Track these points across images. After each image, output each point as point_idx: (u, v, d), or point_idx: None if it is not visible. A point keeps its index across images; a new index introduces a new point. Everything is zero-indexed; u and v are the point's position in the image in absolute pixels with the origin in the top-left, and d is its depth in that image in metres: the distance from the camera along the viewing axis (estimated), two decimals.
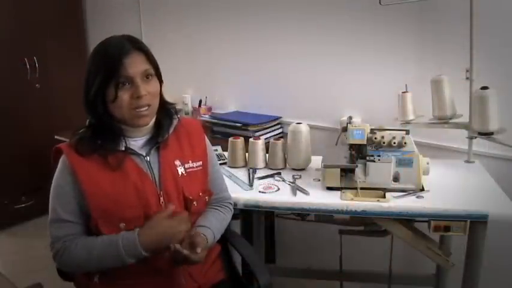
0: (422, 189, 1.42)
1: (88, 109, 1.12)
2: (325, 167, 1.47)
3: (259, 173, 1.66)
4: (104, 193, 1.08)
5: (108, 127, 1.12)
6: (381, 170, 1.42)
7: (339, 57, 2.07)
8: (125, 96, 1.08)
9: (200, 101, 2.63)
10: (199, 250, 1.08)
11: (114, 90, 1.07)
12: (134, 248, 1.05)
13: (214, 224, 1.24)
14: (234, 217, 1.40)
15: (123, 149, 1.12)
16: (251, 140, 1.74)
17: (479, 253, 1.36)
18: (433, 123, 1.71)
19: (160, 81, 1.16)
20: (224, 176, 1.51)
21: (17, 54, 2.85)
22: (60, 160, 1.12)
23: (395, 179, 1.43)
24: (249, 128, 2.19)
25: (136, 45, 1.10)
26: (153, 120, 1.17)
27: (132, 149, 1.14)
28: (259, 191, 1.49)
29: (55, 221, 1.11)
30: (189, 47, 2.69)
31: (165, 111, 1.21)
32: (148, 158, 1.16)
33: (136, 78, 1.08)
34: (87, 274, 1.15)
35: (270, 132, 2.26)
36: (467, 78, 1.60)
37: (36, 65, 2.92)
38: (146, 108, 1.11)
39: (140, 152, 1.15)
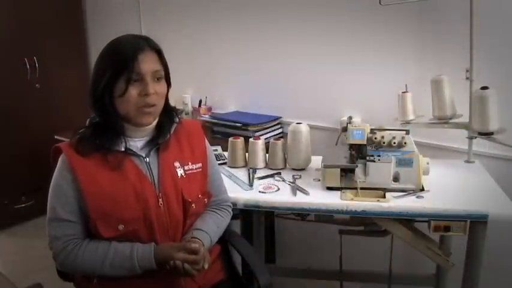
0: (422, 189, 1.42)
1: (93, 104, 1.12)
2: (325, 167, 1.47)
3: (259, 173, 1.66)
4: (103, 193, 1.08)
5: (110, 125, 1.12)
6: (381, 170, 1.42)
7: (338, 57, 2.07)
8: (133, 92, 1.08)
9: (200, 101, 2.63)
10: (206, 266, 1.09)
11: (124, 85, 1.07)
12: (149, 263, 1.09)
13: (211, 228, 1.24)
14: (234, 217, 1.40)
15: (123, 149, 1.12)
16: (251, 140, 1.74)
17: (479, 253, 1.36)
18: (433, 123, 1.71)
19: (168, 85, 1.17)
20: (224, 176, 1.52)
21: (17, 54, 2.85)
22: (60, 159, 1.12)
23: (395, 179, 1.43)
24: (249, 128, 2.19)
25: (151, 45, 1.12)
26: (155, 122, 1.18)
27: (131, 150, 1.14)
28: (259, 191, 1.49)
29: (54, 220, 1.11)
30: (189, 47, 2.69)
31: (167, 114, 1.21)
32: (147, 159, 1.16)
33: (146, 76, 1.09)
34: (87, 276, 1.15)
35: (270, 132, 2.26)
36: (467, 78, 1.60)
37: (36, 65, 2.92)
38: (152, 107, 1.11)
39: (140, 153, 1.15)
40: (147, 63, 1.09)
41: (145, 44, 1.10)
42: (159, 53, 1.13)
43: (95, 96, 1.11)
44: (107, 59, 1.10)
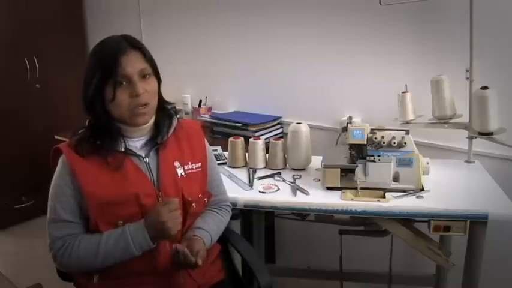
0: (422, 189, 1.42)
1: (86, 109, 1.12)
2: (325, 167, 1.47)
3: (259, 173, 1.66)
4: (103, 194, 1.08)
5: (107, 127, 1.12)
6: (380, 170, 1.42)
7: (338, 57, 2.07)
8: (123, 95, 1.08)
9: (200, 101, 2.63)
10: (200, 262, 1.08)
11: (112, 90, 1.07)
12: (143, 237, 1.06)
13: (212, 227, 1.24)
14: (234, 217, 1.40)
15: (123, 149, 1.12)
16: (251, 140, 1.74)
17: (479, 253, 1.36)
18: (433, 123, 1.71)
19: (159, 80, 1.16)
20: (224, 176, 1.52)
21: (17, 54, 2.85)
22: (60, 160, 1.12)
23: (395, 179, 1.43)
24: (249, 128, 2.19)
25: (133, 44, 1.11)
26: (152, 120, 1.17)
27: (131, 150, 1.14)
28: (259, 191, 1.49)
29: (54, 221, 1.11)
30: (189, 47, 2.69)
31: (164, 111, 1.21)
32: (147, 159, 1.16)
33: (133, 77, 1.08)
34: (87, 274, 1.15)
35: (270, 132, 2.25)
36: (467, 78, 1.60)
37: (36, 65, 2.92)
38: (145, 106, 1.10)
39: (139, 153, 1.15)
40: (132, 64, 1.08)
41: (127, 44, 1.09)
42: (143, 51, 1.12)
43: (86, 101, 1.10)
44: (93, 65, 1.09)
